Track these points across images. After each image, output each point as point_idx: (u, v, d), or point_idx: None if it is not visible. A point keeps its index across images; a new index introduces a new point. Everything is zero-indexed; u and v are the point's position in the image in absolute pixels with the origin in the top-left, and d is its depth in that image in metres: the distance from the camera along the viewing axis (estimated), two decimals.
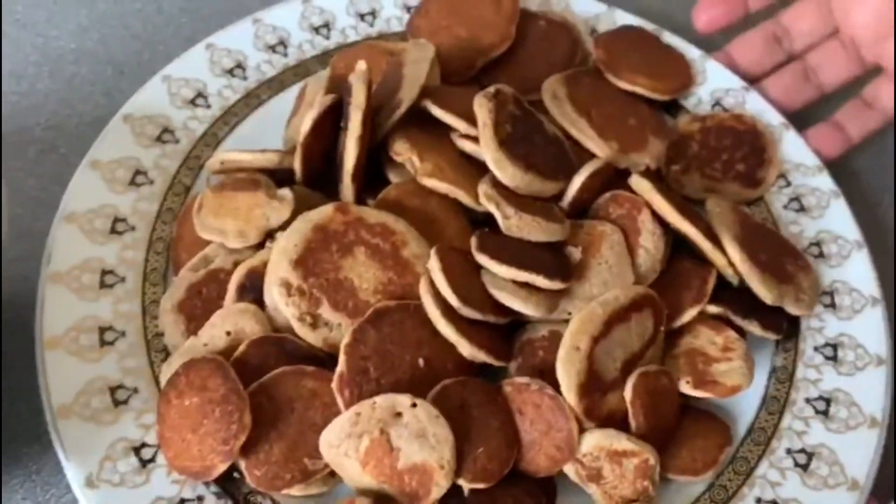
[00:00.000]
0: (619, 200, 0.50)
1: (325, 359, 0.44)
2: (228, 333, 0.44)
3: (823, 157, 0.58)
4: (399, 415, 0.42)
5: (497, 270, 0.45)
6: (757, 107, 0.60)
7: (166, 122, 0.55)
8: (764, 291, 0.48)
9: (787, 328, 0.50)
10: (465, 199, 0.49)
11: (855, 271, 0.53)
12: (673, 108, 0.60)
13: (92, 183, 0.52)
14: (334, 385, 0.43)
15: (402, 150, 0.49)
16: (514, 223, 0.47)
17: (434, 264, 0.45)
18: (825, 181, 0.57)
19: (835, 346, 0.51)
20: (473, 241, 0.46)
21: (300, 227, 0.45)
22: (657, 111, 0.59)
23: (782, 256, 0.51)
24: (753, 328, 0.48)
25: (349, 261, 0.45)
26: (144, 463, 0.43)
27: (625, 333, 0.45)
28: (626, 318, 0.45)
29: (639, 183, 0.50)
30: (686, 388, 0.46)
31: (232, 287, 0.45)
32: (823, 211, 0.56)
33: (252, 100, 0.58)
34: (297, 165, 0.50)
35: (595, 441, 0.43)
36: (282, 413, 0.42)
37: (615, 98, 0.57)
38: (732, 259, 0.48)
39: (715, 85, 0.61)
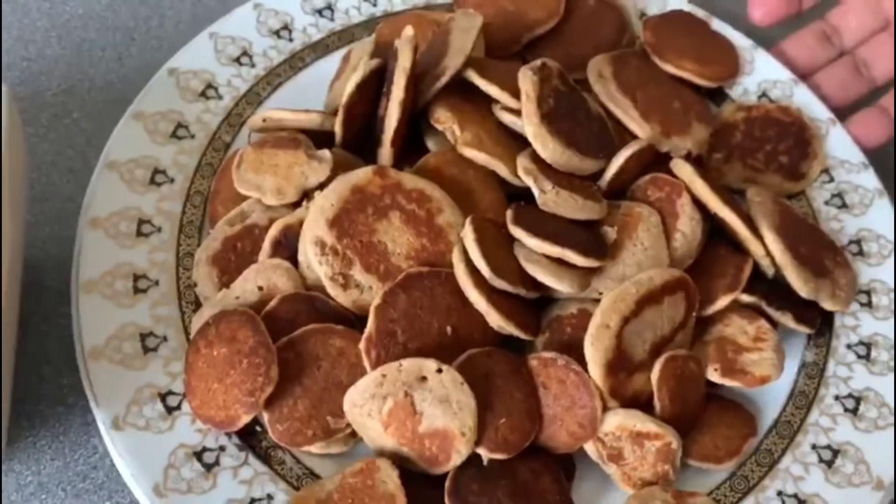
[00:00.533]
0: (659, 183, 0.50)
1: (353, 319, 0.45)
2: (260, 288, 0.45)
3: (868, 144, 0.57)
4: (424, 379, 0.42)
5: (531, 244, 0.45)
6: (804, 100, 0.59)
7: (210, 79, 0.55)
8: (800, 284, 0.47)
9: (820, 324, 0.50)
10: (503, 171, 0.48)
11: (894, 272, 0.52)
12: (718, 96, 0.59)
13: (134, 133, 0.52)
14: (362, 345, 0.43)
15: (443, 119, 0.49)
16: (550, 198, 0.47)
17: (468, 233, 0.45)
18: (870, 179, 0.56)
19: (868, 346, 0.50)
20: (509, 213, 0.46)
21: (338, 187, 0.45)
22: (702, 98, 0.58)
23: (821, 251, 0.51)
24: (786, 320, 0.47)
25: (384, 224, 0.45)
26: (170, 410, 0.44)
27: (656, 315, 0.44)
28: (658, 299, 0.44)
29: (681, 167, 0.49)
30: (714, 375, 0.46)
31: (267, 243, 0.46)
32: (866, 209, 0.55)
33: (296, 62, 0.58)
34: (337, 128, 0.50)
35: (618, 421, 0.43)
36: (308, 370, 0.43)
37: (661, 81, 0.56)
38: (771, 249, 0.48)
39: (763, 76, 0.60)
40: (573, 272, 0.45)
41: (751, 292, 0.48)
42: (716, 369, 0.46)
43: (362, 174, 0.46)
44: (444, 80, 0.49)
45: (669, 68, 0.57)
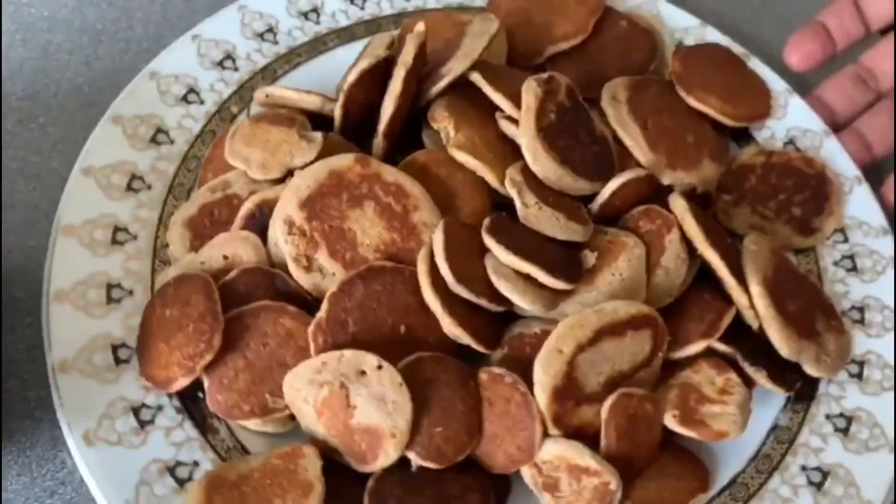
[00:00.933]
0: (652, 215, 0.48)
1: (311, 303, 0.44)
2: (226, 258, 0.45)
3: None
4: (363, 373, 0.41)
5: (500, 256, 0.44)
6: (832, 154, 0.56)
7: (231, 50, 0.56)
8: (781, 341, 0.45)
9: (803, 388, 0.47)
10: (490, 178, 0.47)
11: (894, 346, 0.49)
12: (743, 137, 0.57)
13: (147, 92, 0.53)
14: (310, 329, 0.42)
15: (439, 118, 0.48)
16: (532, 213, 0.46)
17: (438, 234, 0.44)
18: (887, 245, 0.53)
19: (850, 419, 0.47)
20: (486, 221, 0.45)
21: (317, 169, 0.45)
22: (723, 136, 0.55)
23: (814, 311, 0.48)
24: (760, 378, 0.45)
25: (357, 213, 0.45)
26: (143, 424, 0.42)
27: (616, 349, 0.43)
28: (620, 333, 0.43)
29: (675, 201, 0.48)
30: (671, 421, 0.44)
31: (241, 214, 0.46)
32: (877, 276, 0.52)
33: (319, 44, 0.58)
34: (336, 112, 0.49)
35: (557, 450, 0.41)
36: (254, 345, 0.43)
37: (679, 113, 0.54)
38: (754, 300, 0.45)
39: (793, 123, 0.57)
40: (540, 291, 0.44)
41: (728, 342, 0.46)
42: (674, 416, 0.44)
43: (343, 160, 0.45)
44: (445, 80, 0.48)
45: (692, 101, 0.55)
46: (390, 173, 0.46)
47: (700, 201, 0.52)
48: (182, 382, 0.42)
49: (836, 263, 0.52)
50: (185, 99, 0.53)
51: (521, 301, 0.43)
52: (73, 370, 0.43)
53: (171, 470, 0.41)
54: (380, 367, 0.41)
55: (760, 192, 0.53)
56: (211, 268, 0.44)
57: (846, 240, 0.53)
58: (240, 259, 0.45)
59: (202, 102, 0.54)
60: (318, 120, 0.50)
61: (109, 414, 0.42)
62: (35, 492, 0.44)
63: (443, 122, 0.48)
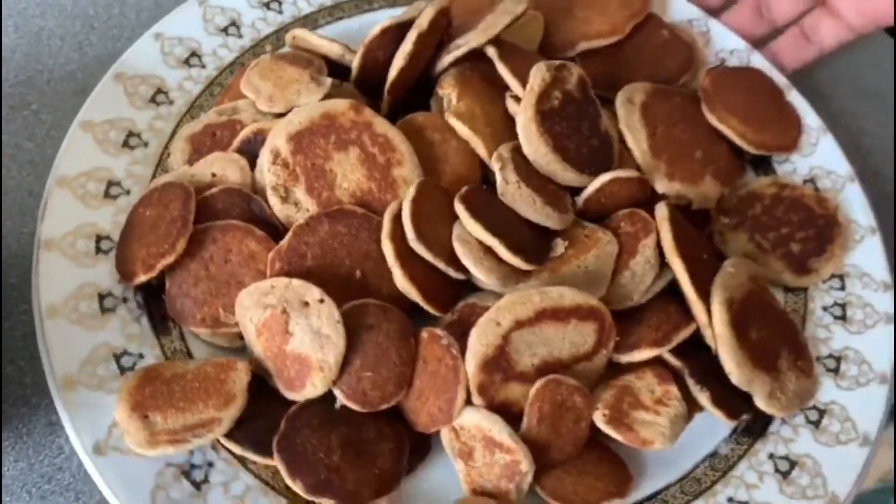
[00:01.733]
0: (634, 218, 0.48)
1: (280, 232, 0.46)
2: (214, 175, 0.47)
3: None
4: (306, 304, 0.43)
5: (467, 223, 0.44)
6: (852, 200, 0.54)
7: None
8: (731, 366, 0.44)
9: (753, 422, 0.46)
10: (481, 150, 0.48)
11: (864, 403, 0.47)
12: (764, 165, 0.56)
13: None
14: (270, 255, 0.44)
15: (445, 85, 0.49)
16: (510, 190, 0.46)
17: (410, 191, 0.45)
18: (885, 301, 0.50)
19: (794, 464, 0.45)
20: (463, 189, 0.46)
21: (311, 108, 0.47)
22: (738, 160, 0.54)
23: (782, 347, 0.46)
24: (703, 398, 0.44)
25: (341, 156, 0.46)
26: (104, 311, 0.43)
27: (556, 334, 0.43)
28: (563, 319, 0.42)
29: (660, 208, 0.47)
30: (599, 419, 0.43)
31: (238, 138, 0.48)
32: (865, 329, 0.50)
33: (363, 3, 0.60)
34: (354, 64, 0.51)
35: (476, 420, 0.42)
36: (217, 259, 0.45)
37: (695, 128, 0.53)
38: (713, 319, 0.44)
39: (819, 162, 0.55)
40: (499, 266, 0.44)
41: (681, 358, 0.45)
42: (604, 414, 0.43)
43: (339, 104, 0.47)
44: (460, 51, 0.49)
45: (712, 118, 0.54)
46: (381, 125, 0.47)
47: (697, 218, 0.52)
48: (142, 278, 0.44)
49: (825, 308, 0.50)
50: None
51: (477, 271, 0.44)
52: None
53: (118, 357, 0.44)
54: (321, 301, 0.42)
55: (763, 221, 0.52)
56: (198, 181, 0.47)
57: (843, 287, 0.51)
58: (226, 178, 0.47)
59: (241, 37, 0.56)
60: (339, 70, 0.52)
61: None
62: (33, 477, 0.44)
63: (448, 88, 0.49)
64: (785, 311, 0.48)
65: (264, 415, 0.43)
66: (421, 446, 0.44)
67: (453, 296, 0.46)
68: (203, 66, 0.53)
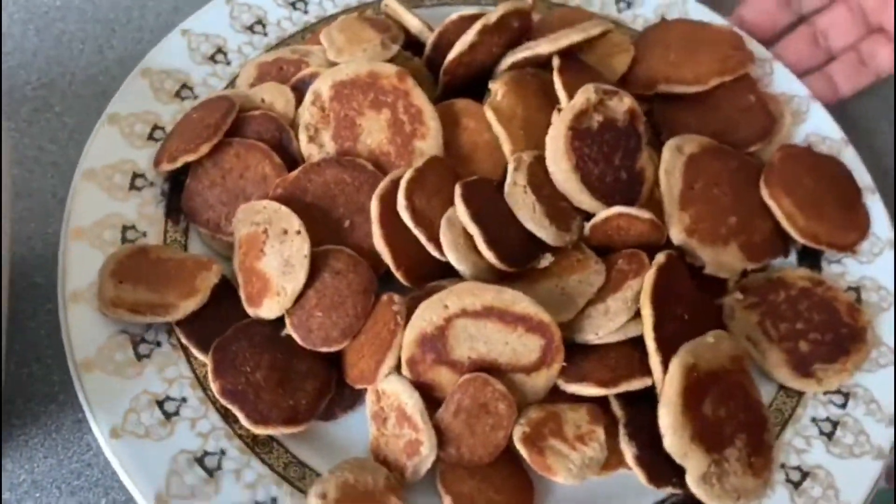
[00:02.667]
0: (633, 258, 0.46)
1: (298, 166, 0.49)
2: (263, 101, 0.51)
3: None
4: (285, 232, 0.45)
5: (458, 206, 0.45)
6: (888, 321, 0.49)
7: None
8: (667, 429, 0.41)
9: (683, 500, 0.43)
10: (505, 146, 0.49)
11: None
12: (811, 259, 0.52)
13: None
14: (277, 180, 0.47)
15: (497, 80, 0.50)
16: (515, 192, 0.46)
17: (419, 161, 0.46)
18: (883, 435, 0.46)
19: None
20: (473, 177, 0.47)
21: (361, 63, 0.49)
22: (779, 243, 0.51)
23: (738, 437, 0.43)
24: (627, 453, 0.42)
25: (373, 114, 0.49)
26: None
27: (500, 337, 0.42)
28: (510, 324, 0.42)
29: (660, 257, 0.45)
30: (517, 433, 0.42)
31: (296, 76, 0.52)
32: (847, 455, 0.45)
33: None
34: (429, 42, 0.53)
35: (397, 389, 0.43)
36: (235, 173, 0.48)
37: (741, 195, 0.51)
38: (666, 377, 0.42)
39: (874, 273, 0.51)
40: (474, 256, 0.45)
41: (625, 406, 0.43)
42: (523, 431, 0.42)
43: (386, 67, 0.49)
44: (522, 54, 0.50)
45: (764, 192, 0.51)
46: (418, 97, 0.49)
47: (713, 286, 0.49)
48: (165, 167, 0.48)
49: (814, 420, 0.46)
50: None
51: (450, 253, 0.44)
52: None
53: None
54: (298, 233, 0.45)
55: (780, 310, 0.49)
56: (248, 102, 0.51)
57: (844, 405, 0.47)
58: (272, 106, 0.50)
59: (228, 63, 0.55)
60: (416, 46, 0.55)
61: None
62: (62, 473, 0.45)
63: (498, 83, 0.50)
64: (760, 405, 0.45)
65: (221, 320, 0.46)
66: (352, 398, 0.45)
67: (428, 273, 0.46)
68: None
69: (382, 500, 0.41)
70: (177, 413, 0.43)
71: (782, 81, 0.59)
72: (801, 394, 0.47)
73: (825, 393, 0.47)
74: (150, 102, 0.52)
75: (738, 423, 0.43)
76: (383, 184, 0.46)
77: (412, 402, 0.42)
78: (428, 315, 0.42)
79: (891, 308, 0.50)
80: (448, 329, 0.42)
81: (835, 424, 0.46)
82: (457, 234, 0.45)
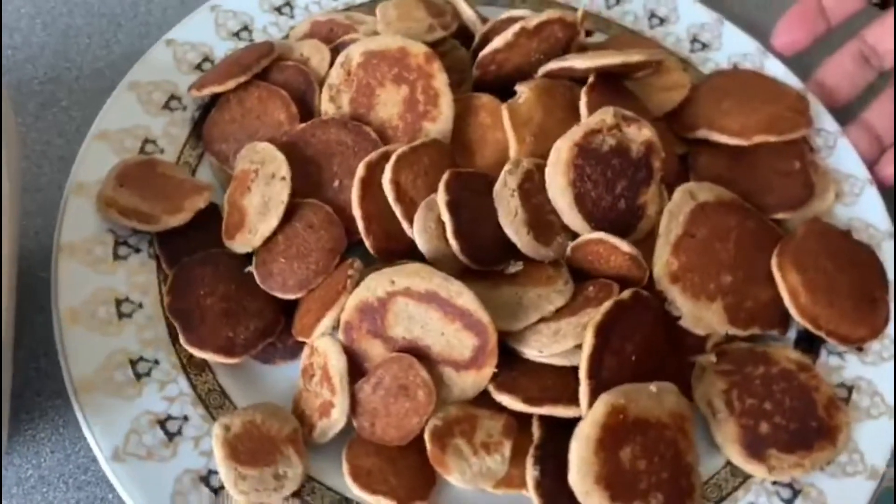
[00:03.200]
0: (602, 289, 0.45)
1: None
2: (301, 55, 0.53)
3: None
4: (273, 176, 0.47)
5: (439, 194, 0.45)
6: (875, 437, 0.45)
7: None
8: (573, 467, 0.39)
9: None
10: (511, 147, 0.48)
11: None
12: (806, 344, 0.48)
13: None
14: (285, 128, 0.49)
15: (526, 84, 0.50)
16: (503, 194, 0.46)
17: (419, 140, 0.47)
18: None
19: None
20: (470, 169, 0.47)
21: (394, 38, 0.50)
22: (778, 317, 0.48)
23: (658, 495, 0.40)
24: (529, 476, 0.41)
25: (392, 88, 0.49)
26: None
27: (437, 326, 0.42)
28: (449, 315, 0.42)
29: (624, 293, 0.43)
30: (430, 423, 0.42)
31: (340, 39, 0.53)
32: None
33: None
34: (478, 33, 0.54)
35: (326, 346, 0.43)
36: (253, 113, 0.50)
37: (744, 256, 0.48)
38: (588, 415, 0.40)
39: (872, 377, 0.47)
40: (442, 246, 0.45)
41: (546, 429, 0.42)
42: (435, 424, 0.42)
43: (416, 46, 0.50)
44: (554, 65, 0.50)
45: (773, 263, 0.48)
46: (439, 81, 0.49)
47: (693, 342, 0.47)
48: (195, 93, 0.51)
49: None
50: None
51: (418, 234, 0.45)
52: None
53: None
54: (283, 179, 0.46)
55: (752, 385, 0.45)
56: (288, 53, 0.53)
57: (790, 501, 0.43)
58: (307, 61, 0.52)
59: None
60: (466, 34, 0.55)
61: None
62: (69, 468, 0.45)
63: (524, 86, 0.50)
64: (691, 471, 0.42)
65: (201, 244, 0.48)
66: (294, 349, 0.46)
67: (397, 250, 0.46)
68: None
69: (280, 448, 0.42)
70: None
71: (844, 158, 0.55)
72: (748, 477, 0.44)
73: (774, 483, 0.44)
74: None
75: (659, 481, 0.41)
76: (376, 152, 0.47)
77: (336, 365, 0.43)
78: (374, 285, 0.43)
79: (881, 417, 0.46)
80: (389, 304, 0.43)
81: None
82: (430, 218, 0.45)
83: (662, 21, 0.61)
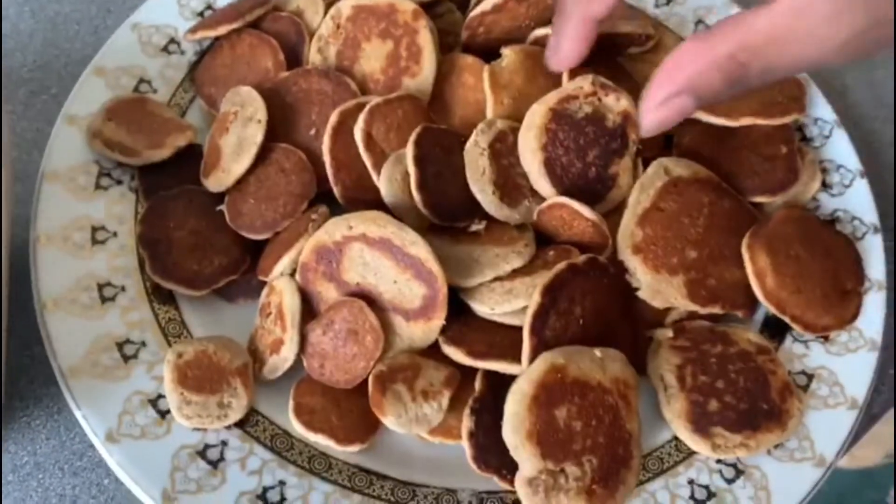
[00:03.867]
0: (562, 253, 0.45)
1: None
2: (297, 7, 0.53)
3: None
4: (250, 119, 0.48)
5: (407, 152, 0.45)
6: (832, 431, 0.44)
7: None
8: (508, 419, 0.39)
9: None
10: (489, 109, 0.48)
11: None
12: (773, 329, 0.48)
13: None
14: (270, 76, 0.50)
15: (510, 47, 0.50)
16: (472, 152, 0.46)
17: (393, 94, 0.47)
18: None
19: None
20: (437, 126, 0.47)
21: None
22: (745, 299, 0.47)
23: (589, 458, 0.40)
24: (464, 423, 0.41)
25: (377, 42, 0.50)
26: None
27: (390, 273, 0.43)
28: (401, 263, 0.42)
29: (579, 258, 0.43)
30: (376, 368, 0.42)
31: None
32: None
33: None
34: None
35: (283, 285, 0.44)
36: (243, 59, 0.52)
37: (718, 236, 0.47)
38: (526, 371, 0.40)
39: (840, 369, 0.46)
40: (406, 198, 0.45)
41: (488, 385, 0.42)
42: (381, 370, 0.42)
43: (406, 3, 0.50)
44: (541, 31, 0.50)
45: (744, 243, 0.47)
46: (424, 38, 0.50)
47: (656, 315, 0.47)
48: (189, 37, 0.53)
49: (690, 483, 0.43)
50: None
51: (382, 183, 0.45)
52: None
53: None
54: (259, 122, 0.47)
55: (707, 362, 0.45)
56: (284, 5, 0.54)
57: (731, 481, 0.43)
58: (300, 12, 0.53)
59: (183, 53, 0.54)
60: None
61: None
62: (65, 454, 0.45)
63: (509, 50, 0.50)
64: (630, 439, 0.42)
65: (180, 181, 0.49)
66: (258, 288, 0.47)
67: (364, 200, 0.46)
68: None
69: (227, 378, 0.43)
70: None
71: (837, 148, 0.54)
72: (692, 453, 0.44)
73: (718, 461, 0.43)
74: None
75: (595, 444, 0.41)
76: (351, 102, 0.47)
77: (291, 304, 0.44)
78: (332, 229, 0.44)
79: (838, 408, 0.45)
80: (345, 248, 0.43)
81: (710, 495, 0.42)
82: (397, 170, 0.46)
83: (669, 1, 0.60)
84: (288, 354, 0.43)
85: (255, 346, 0.45)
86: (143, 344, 0.45)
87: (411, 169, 0.45)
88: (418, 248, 0.42)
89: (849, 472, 0.47)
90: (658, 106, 0.40)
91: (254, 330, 0.46)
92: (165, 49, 0.54)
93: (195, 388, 0.42)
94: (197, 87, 0.53)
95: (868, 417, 0.47)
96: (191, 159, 0.50)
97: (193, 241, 0.47)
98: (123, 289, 0.46)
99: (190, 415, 0.42)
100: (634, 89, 0.50)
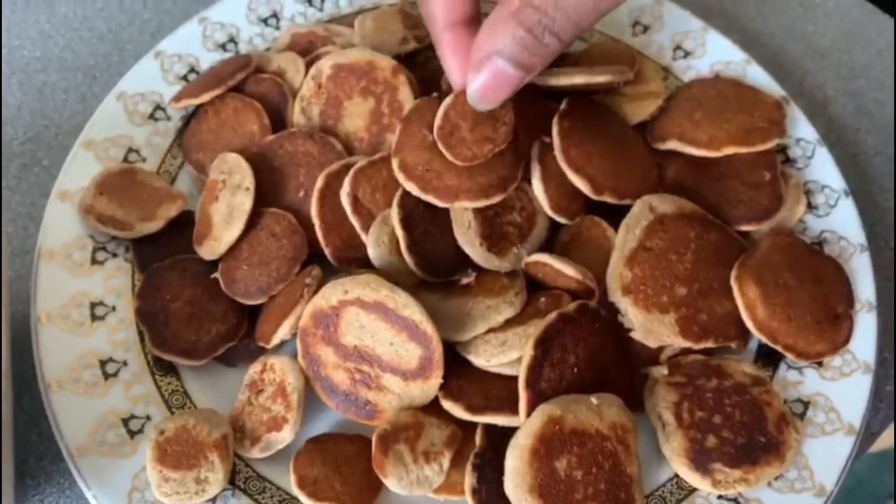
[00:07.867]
0: (553, 300, 0.46)
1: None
2: (278, 67, 0.54)
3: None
4: (238, 187, 0.48)
5: (392, 216, 0.45)
6: (831, 460, 0.45)
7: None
8: (510, 474, 0.40)
9: None
10: None
11: None
12: (765, 358, 0.48)
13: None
14: (257, 140, 0.51)
15: None
16: (458, 207, 0.47)
17: (377, 155, 0.48)
18: None
19: None
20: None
21: (363, 51, 0.51)
22: (738, 330, 0.48)
23: (599, 503, 0.41)
24: (467, 479, 0.42)
25: (359, 100, 0.51)
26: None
27: (386, 335, 0.43)
28: (395, 325, 0.43)
29: (569, 305, 0.44)
30: (378, 428, 0.43)
31: (317, 52, 0.55)
32: None
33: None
34: None
35: (284, 365, 0.45)
36: (227, 123, 0.53)
37: (708, 270, 0.48)
38: (525, 424, 0.41)
39: (833, 395, 0.47)
40: (395, 260, 0.46)
41: (490, 438, 0.43)
42: (385, 429, 0.43)
43: (384, 60, 0.51)
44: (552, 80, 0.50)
45: (732, 274, 0.48)
46: (404, 94, 0.50)
47: (648, 354, 0.47)
48: (174, 105, 0.53)
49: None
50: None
51: (371, 248, 0.46)
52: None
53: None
54: (247, 189, 0.48)
55: (703, 398, 0.45)
56: (266, 65, 0.54)
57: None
58: (282, 73, 0.54)
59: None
60: None
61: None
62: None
63: None
64: (631, 483, 0.42)
65: (174, 250, 0.50)
66: (257, 353, 0.48)
67: (356, 260, 0.48)
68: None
69: (204, 452, 0.43)
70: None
71: (820, 168, 0.54)
72: (693, 490, 0.44)
73: (720, 497, 0.44)
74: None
75: (596, 491, 0.41)
76: (336, 164, 0.48)
77: (296, 384, 0.44)
78: (328, 293, 0.44)
79: (835, 434, 0.45)
80: (342, 312, 0.44)
81: None
82: (384, 232, 0.46)
83: (646, 29, 0.61)
84: (288, 435, 0.44)
85: (242, 422, 0.45)
86: (148, 418, 0.45)
87: (399, 232, 0.45)
88: (411, 310, 0.43)
89: (866, 456, 0.46)
90: (472, 75, 0.41)
91: (237, 405, 0.46)
92: (152, 116, 0.55)
93: (173, 465, 0.42)
94: (185, 154, 0.54)
95: (868, 435, 0.47)
96: (183, 227, 0.50)
97: (190, 310, 0.47)
98: (125, 363, 0.47)
99: (168, 492, 0.42)
100: (617, 122, 0.52)
